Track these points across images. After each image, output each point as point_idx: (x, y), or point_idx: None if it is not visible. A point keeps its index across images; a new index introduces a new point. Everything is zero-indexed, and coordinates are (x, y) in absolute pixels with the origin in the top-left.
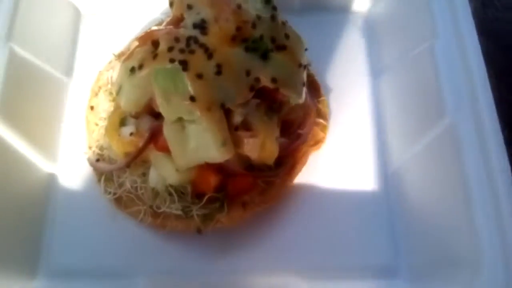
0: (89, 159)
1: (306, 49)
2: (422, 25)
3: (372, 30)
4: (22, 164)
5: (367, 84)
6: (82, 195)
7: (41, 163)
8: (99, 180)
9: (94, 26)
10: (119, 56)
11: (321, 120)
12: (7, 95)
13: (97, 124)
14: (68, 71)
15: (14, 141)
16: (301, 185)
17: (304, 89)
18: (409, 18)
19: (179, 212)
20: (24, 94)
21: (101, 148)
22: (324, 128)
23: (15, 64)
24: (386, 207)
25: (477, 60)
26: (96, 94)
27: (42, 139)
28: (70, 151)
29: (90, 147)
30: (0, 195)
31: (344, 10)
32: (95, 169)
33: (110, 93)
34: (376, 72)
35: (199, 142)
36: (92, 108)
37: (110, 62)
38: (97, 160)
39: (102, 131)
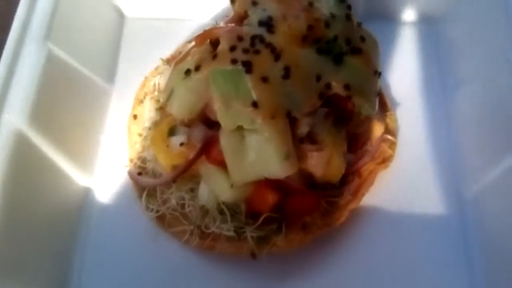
0: (130, 173)
1: None
2: (500, 35)
3: (443, 41)
4: (56, 175)
5: (438, 99)
6: (120, 212)
7: (77, 175)
8: (140, 196)
9: (139, 30)
10: (168, 61)
11: (389, 137)
12: (42, 98)
13: (140, 135)
14: (111, 77)
15: (47, 149)
16: (367, 207)
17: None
18: (485, 27)
19: (231, 233)
20: (61, 99)
21: (143, 160)
22: (392, 145)
23: (53, 65)
24: (462, 236)
25: None
26: (141, 102)
27: (79, 150)
28: (109, 163)
29: (131, 160)
30: (30, 210)
31: (412, 20)
32: (137, 183)
33: (157, 101)
34: (448, 86)
35: (259, 155)
36: (135, 117)
37: (157, 68)
38: (139, 173)
39: (146, 141)
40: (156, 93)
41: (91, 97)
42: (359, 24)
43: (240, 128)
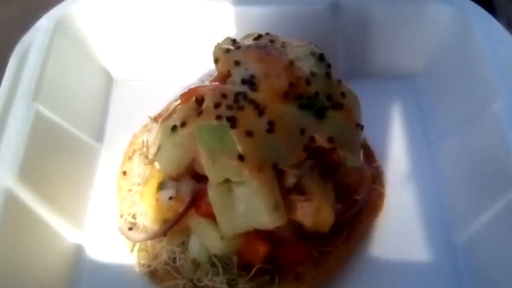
0: (120, 228)
1: None
2: (481, 88)
3: (423, 95)
4: (46, 233)
5: (423, 150)
6: (111, 268)
7: (67, 232)
8: (132, 251)
9: (127, 91)
10: (156, 119)
11: (377, 187)
12: (30, 157)
13: (130, 190)
14: (99, 136)
15: (36, 207)
16: (359, 257)
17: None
18: (465, 81)
19: (224, 286)
20: (50, 158)
21: (134, 216)
22: (380, 195)
23: (41, 125)
24: (456, 282)
25: None
26: (130, 159)
27: (69, 207)
28: (99, 220)
29: (121, 215)
30: (21, 267)
31: (391, 76)
32: (128, 238)
33: (146, 157)
34: (432, 138)
35: (248, 206)
36: (124, 173)
37: (145, 126)
38: (130, 228)
39: (136, 197)
40: (144, 149)
41: (80, 155)
42: (339, 81)
43: (227, 181)
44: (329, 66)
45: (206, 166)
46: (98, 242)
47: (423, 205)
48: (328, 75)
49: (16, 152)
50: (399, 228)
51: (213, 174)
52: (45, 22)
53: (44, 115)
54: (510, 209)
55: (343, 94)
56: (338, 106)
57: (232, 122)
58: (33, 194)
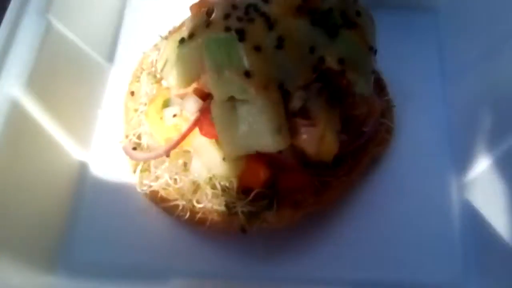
0: (124, 148)
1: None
2: (504, 19)
3: (446, 29)
4: (49, 147)
5: (438, 86)
6: (114, 186)
7: (72, 149)
8: (134, 171)
9: (141, 9)
10: (166, 38)
11: (386, 121)
12: (39, 68)
13: (136, 110)
14: (110, 55)
15: (42, 119)
16: (361, 189)
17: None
18: (485, 18)
19: (222, 208)
20: (59, 71)
21: (139, 136)
22: (389, 130)
23: (52, 38)
24: (458, 220)
25: None
26: (138, 78)
27: (75, 124)
28: (105, 139)
29: (127, 136)
30: (25, 180)
31: (416, 7)
32: (131, 158)
33: (154, 76)
34: (449, 73)
35: (251, 127)
36: (132, 93)
37: (155, 45)
38: (134, 148)
39: (142, 117)
40: (153, 68)
41: (90, 73)
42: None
43: (232, 99)
44: None
45: (211, 81)
46: (103, 161)
47: (432, 142)
48: None
49: (25, 62)
50: (405, 164)
51: (217, 90)
52: None
53: (56, 27)
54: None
55: (358, 13)
56: (352, 25)
57: (241, 35)
58: (39, 105)
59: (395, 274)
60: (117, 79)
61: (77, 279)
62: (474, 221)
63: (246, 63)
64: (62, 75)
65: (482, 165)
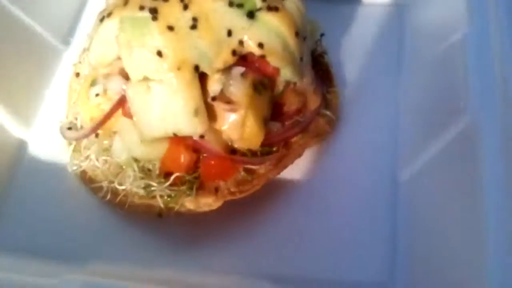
0: (60, 128)
1: (322, 35)
2: (455, 14)
3: (402, 26)
4: None
5: (390, 80)
6: (49, 166)
7: (12, 126)
8: (68, 151)
9: None
10: None
11: (328, 112)
12: None
13: (76, 90)
14: (66, 38)
15: None
16: (292, 181)
17: (309, 71)
18: (441, 9)
19: (141, 191)
20: (6, 54)
21: (75, 115)
22: (330, 122)
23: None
24: (391, 218)
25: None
26: (82, 61)
27: (18, 103)
28: (48, 119)
29: (67, 116)
30: None
31: (375, 3)
32: (64, 137)
33: None
34: (402, 67)
35: (166, 108)
36: (77, 75)
37: None
38: (69, 128)
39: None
40: None
41: (41, 54)
42: None
43: (147, 79)
44: None
45: (124, 60)
46: (43, 140)
47: (373, 137)
48: None
49: None
50: (344, 157)
51: (131, 69)
52: None
53: (6, 8)
54: (451, 147)
55: None
56: (274, 9)
57: (154, 14)
58: None
59: (322, 271)
60: (70, 61)
61: (2, 255)
62: (407, 221)
63: (158, 42)
64: (9, 56)
65: (420, 166)
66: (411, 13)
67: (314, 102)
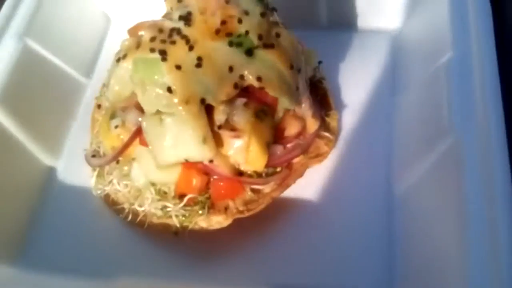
0: (85, 155)
1: (320, 62)
2: (441, 40)
3: (397, 50)
4: (20, 153)
5: (384, 103)
6: (76, 190)
7: (42, 155)
8: (93, 176)
9: (123, 33)
10: None
11: (327, 134)
12: (14, 85)
13: (98, 121)
14: (89, 73)
15: (14, 130)
16: (295, 199)
17: (306, 97)
18: (430, 35)
19: (159, 212)
20: (35, 89)
21: (98, 144)
22: (329, 143)
23: (29, 58)
24: (387, 233)
25: (492, 77)
26: (103, 94)
27: (48, 133)
28: (75, 148)
29: (91, 144)
30: None
31: (370, 30)
32: (88, 164)
33: None
34: (395, 90)
35: (177, 137)
36: (99, 106)
37: None
38: (93, 156)
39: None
40: None
41: (67, 88)
42: (276, 23)
43: (159, 112)
44: (267, 7)
45: (138, 96)
46: (70, 167)
47: (370, 155)
48: (263, 15)
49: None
50: (342, 176)
51: (145, 104)
52: None
53: (34, 48)
54: (439, 164)
55: (278, 35)
56: (269, 46)
57: (163, 55)
58: (11, 117)
59: (324, 282)
60: (94, 94)
61: (35, 271)
62: (403, 231)
63: (168, 80)
64: (38, 90)
65: (413, 180)
66: (402, 39)
67: (313, 125)
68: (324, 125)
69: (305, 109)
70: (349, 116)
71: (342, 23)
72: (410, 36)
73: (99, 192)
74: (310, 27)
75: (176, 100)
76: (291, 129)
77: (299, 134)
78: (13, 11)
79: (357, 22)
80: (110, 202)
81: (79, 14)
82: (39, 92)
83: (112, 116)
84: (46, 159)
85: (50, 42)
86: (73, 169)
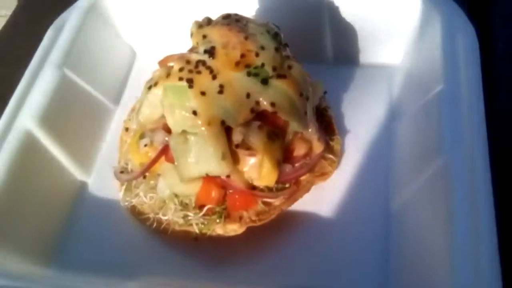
0: (114, 171)
1: (325, 92)
2: (434, 74)
3: (395, 82)
4: (56, 170)
5: (383, 128)
6: (105, 202)
7: (76, 171)
8: (121, 190)
9: (147, 65)
10: None
11: (331, 156)
12: (52, 109)
13: (126, 142)
14: (117, 100)
15: (51, 148)
16: (301, 212)
17: (313, 122)
18: (425, 69)
19: (181, 220)
20: (70, 113)
21: (126, 162)
22: (332, 163)
23: (66, 86)
24: (383, 245)
25: (479, 105)
26: (130, 118)
27: (80, 153)
28: (104, 165)
29: (119, 162)
30: (34, 195)
31: (371, 65)
32: (117, 179)
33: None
34: (393, 117)
35: (199, 154)
36: (126, 129)
37: None
38: (121, 172)
39: (129, 147)
40: None
41: (97, 113)
42: (288, 57)
43: (185, 132)
44: (280, 42)
45: (167, 118)
46: (99, 181)
47: (369, 175)
48: (277, 49)
49: (40, 102)
50: (344, 192)
51: (173, 125)
52: (81, 3)
53: (70, 77)
54: (430, 182)
55: (289, 67)
56: (282, 76)
57: (190, 83)
58: (50, 137)
59: (321, 283)
60: (121, 119)
61: (67, 273)
62: (397, 244)
63: (193, 104)
64: (73, 114)
65: (408, 198)
66: (399, 72)
67: (318, 147)
68: (328, 148)
69: (312, 132)
70: (351, 140)
71: (346, 58)
72: (407, 70)
73: (126, 203)
74: (317, 61)
75: (200, 122)
76: (299, 150)
77: (306, 155)
78: (52, 43)
79: (359, 57)
80: (136, 213)
81: (109, 48)
82: (74, 116)
83: (141, 136)
84: (79, 175)
85: (84, 72)
86: (102, 184)
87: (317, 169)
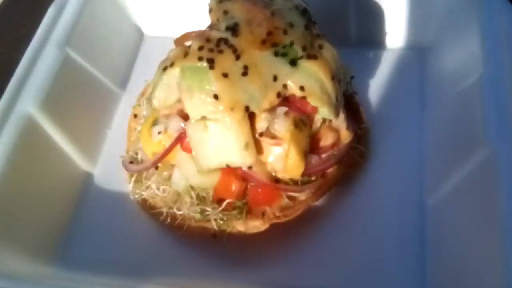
0: (123, 161)
1: (352, 77)
2: (472, 57)
3: (426, 67)
4: (59, 158)
5: (415, 116)
6: (113, 194)
7: (80, 161)
8: (130, 182)
9: (155, 47)
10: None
11: (359, 146)
12: (54, 92)
13: (136, 129)
14: (123, 84)
15: (54, 135)
16: (329, 207)
17: (342, 110)
18: (460, 52)
19: (198, 215)
20: (73, 96)
21: (136, 151)
22: (362, 154)
23: (69, 68)
24: (419, 244)
25: None
26: (140, 104)
27: (85, 140)
28: (111, 154)
29: (128, 151)
30: (37, 185)
31: (399, 48)
32: (126, 170)
33: (149, 100)
34: (426, 105)
35: (220, 143)
36: (135, 116)
37: None
38: (131, 162)
39: (139, 135)
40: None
41: (103, 98)
42: (319, 35)
43: (204, 118)
44: (310, 19)
45: (185, 102)
46: (106, 172)
47: (401, 168)
48: (307, 27)
49: (41, 85)
50: (375, 186)
51: (191, 110)
52: None
53: (73, 58)
54: (473, 174)
55: (320, 47)
56: (313, 57)
57: (211, 63)
58: (52, 123)
59: (352, 284)
60: (127, 105)
61: (71, 273)
62: (435, 243)
63: (215, 87)
64: (77, 99)
65: (445, 193)
66: (431, 56)
67: (347, 137)
68: (357, 138)
69: (341, 121)
70: (380, 130)
71: (372, 40)
72: (439, 53)
73: (136, 196)
74: (341, 44)
75: (221, 107)
76: (326, 140)
77: (333, 145)
78: (54, 22)
79: (386, 39)
80: (147, 207)
81: (115, 27)
82: (78, 100)
83: (154, 123)
84: (83, 165)
85: (88, 52)
86: (109, 175)
87: (345, 160)
